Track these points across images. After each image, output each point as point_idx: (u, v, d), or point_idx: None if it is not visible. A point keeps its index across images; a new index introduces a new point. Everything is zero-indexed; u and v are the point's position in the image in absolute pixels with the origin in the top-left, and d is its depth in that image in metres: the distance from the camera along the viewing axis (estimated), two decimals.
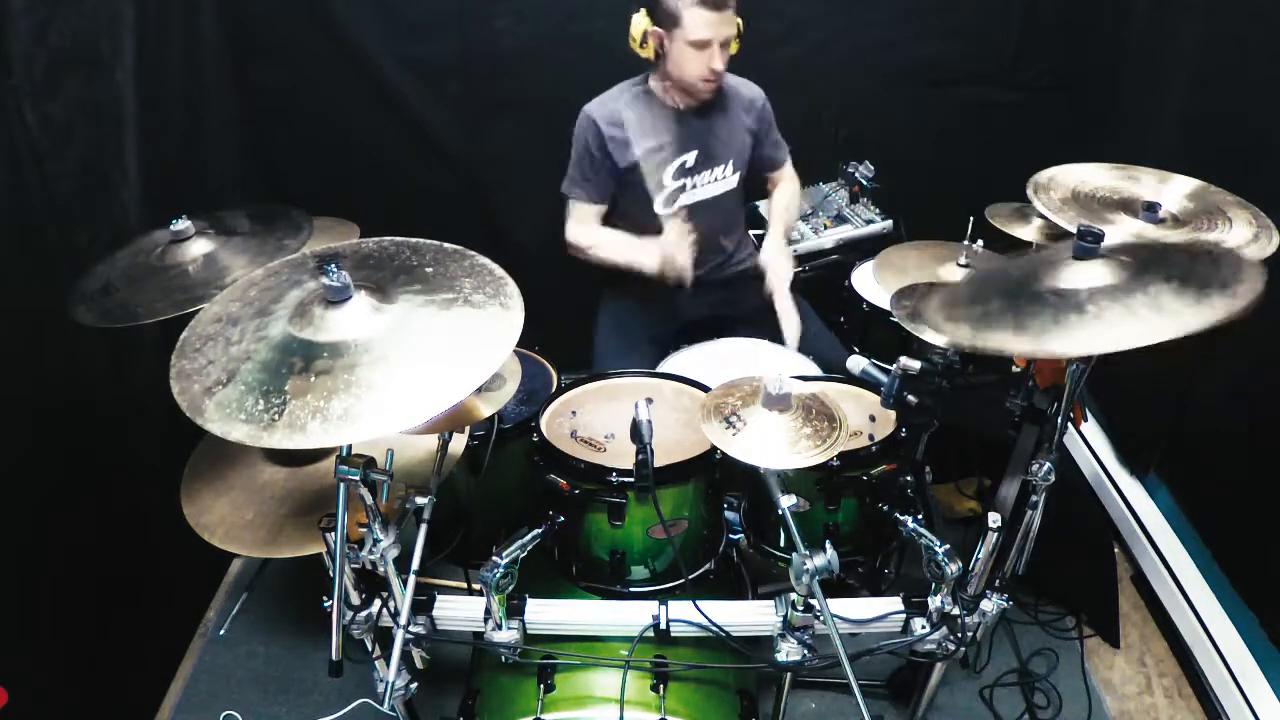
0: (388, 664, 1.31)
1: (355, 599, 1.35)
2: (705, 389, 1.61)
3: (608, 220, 2.14)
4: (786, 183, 2.25)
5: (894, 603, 1.46)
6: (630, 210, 2.11)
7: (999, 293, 1.17)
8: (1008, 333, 1.07)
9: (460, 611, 1.46)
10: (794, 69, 2.38)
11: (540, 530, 1.46)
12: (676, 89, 1.97)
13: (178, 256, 1.48)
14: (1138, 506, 2.24)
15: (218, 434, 0.94)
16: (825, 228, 2.39)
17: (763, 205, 2.51)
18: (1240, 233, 1.36)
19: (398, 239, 1.23)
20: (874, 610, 1.45)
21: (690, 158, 2.03)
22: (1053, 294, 1.11)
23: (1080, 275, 1.13)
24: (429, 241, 1.23)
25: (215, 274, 1.43)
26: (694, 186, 2.07)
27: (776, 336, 2.05)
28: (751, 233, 2.40)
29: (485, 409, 1.37)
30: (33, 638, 1.63)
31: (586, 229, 2.08)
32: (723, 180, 2.10)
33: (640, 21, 1.89)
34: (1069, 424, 1.31)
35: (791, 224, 2.24)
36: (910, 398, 1.31)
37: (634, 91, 2.02)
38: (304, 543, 1.38)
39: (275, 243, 1.50)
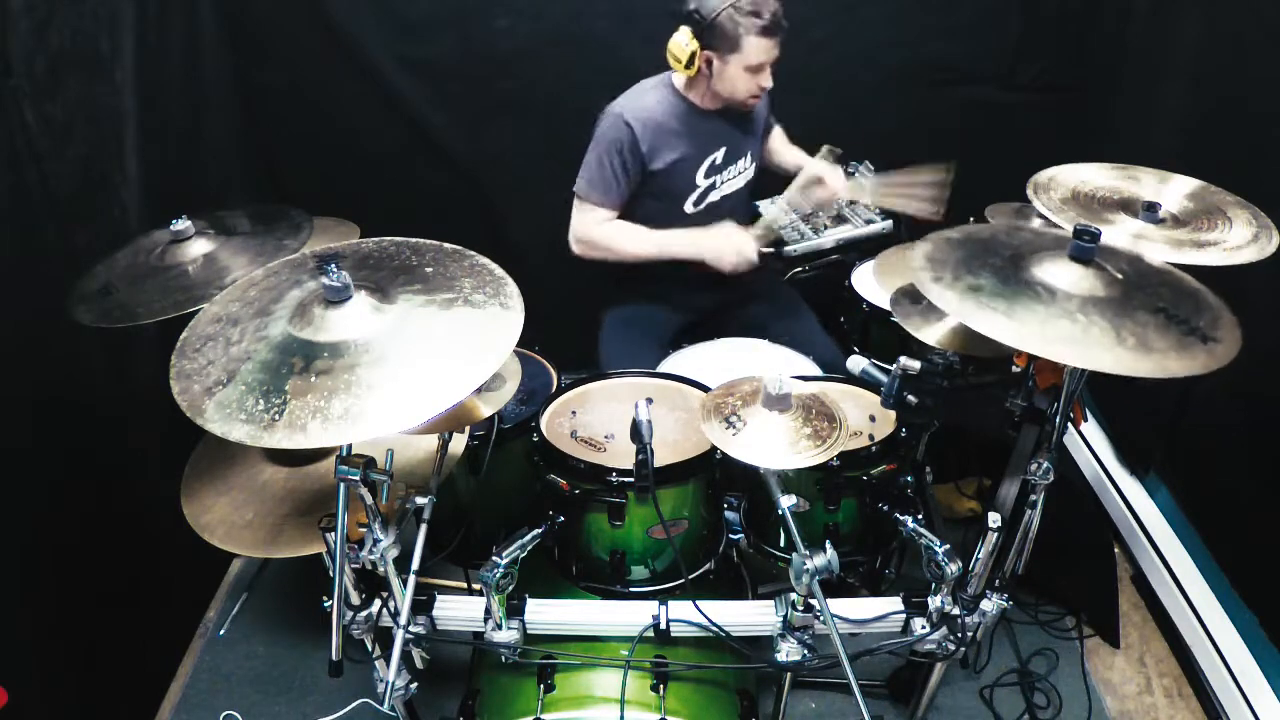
0: (388, 664, 1.32)
1: (355, 599, 1.35)
2: (705, 389, 1.61)
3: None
4: (777, 133, 2.33)
5: (894, 603, 1.46)
6: (654, 211, 2.09)
7: (990, 269, 1.17)
8: (999, 316, 1.08)
9: (460, 611, 1.46)
10: (794, 69, 2.38)
11: (540, 530, 1.46)
12: (712, 96, 1.97)
13: (178, 256, 1.48)
14: (1138, 506, 2.24)
15: (218, 434, 0.94)
16: (825, 228, 2.38)
17: (763, 206, 2.51)
18: (1240, 233, 1.36)
19: (398, 239, 1.23)
20: (874, 610, 1.45)
21: (719, 155, 2.05)
22: (1043, 288, 1.12)
23: (1072, 277, 1.14)
24: (429, 241, 1.23)
25: (215, 274, 1.43)
26: (721, 183, 2.10)
27: (776, 336, 2.05)
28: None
29: (485, 409, 1.37)
30: (33, 638, 1.62)
31: (601, 227, 2.03)
32: (745, 173, 2.14)
33: (687, 44, 1.86)
34: (1069, 424, 1.31)
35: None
36: (910, 398, 1.31)
37: (661, 91, 2.01)
38: (304, 543, 1.38)
39: (275, 243, 1.50)
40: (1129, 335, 1.04)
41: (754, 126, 2.12)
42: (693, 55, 1.87)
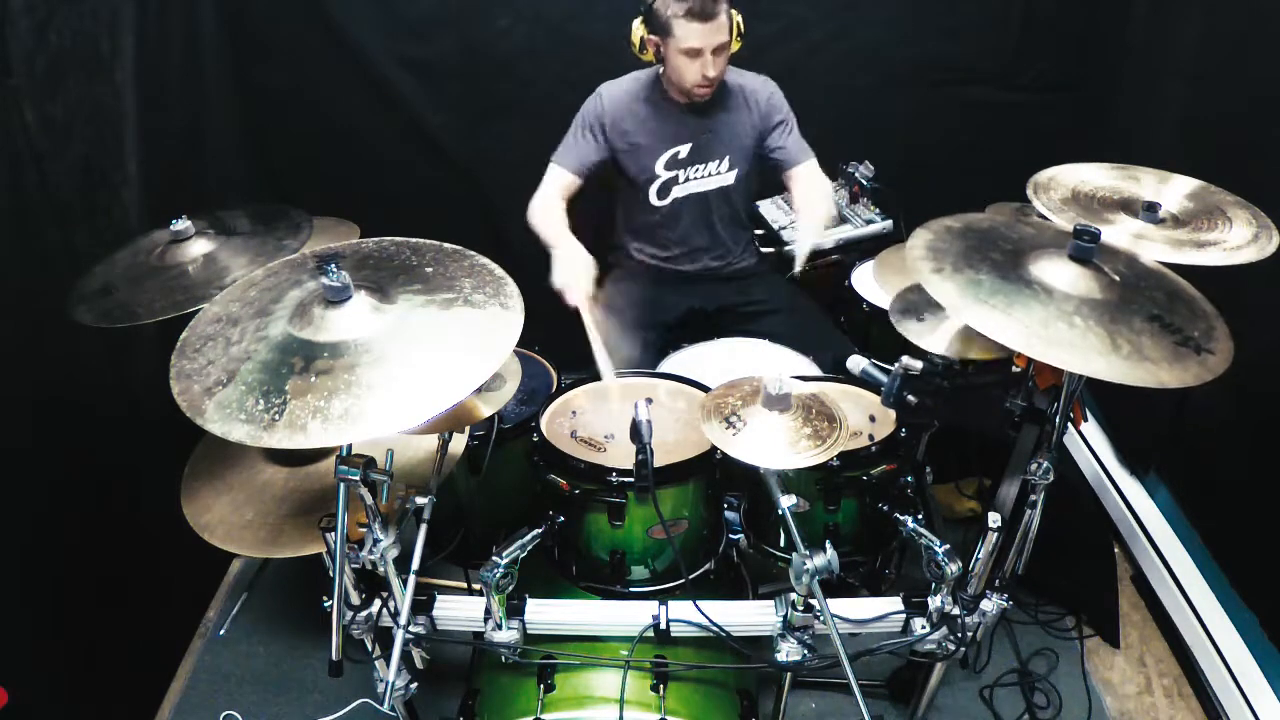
0: (388, 664, 1.32)
1: (355, 599, 1.35)
2: (705, 389, 1.61)
3: (610, 207, 2.19)
4: (808, 179, 2.14)
5: (894, 603, 1.46)
6: (626, 196, 2.16)
7: (990, 263, 1.17)
8: (997, 314, 1.08)
9: (460, 611, 1.46)
10: (793, 68, 2.38)
11: (540, 530, 1.46)
12: (673, 86, 2.01)
13: (178, 256, 1.48)
14: (1138, 506, 2.24)
15: (218, 434, 0.94)
16: (825, 228, 2.39)
17: (764, 206, 2.51)
18: (1240, 233, 1.36)
19: (398, 239, 1.23)
20: (874, 610, 1.45)
21: (683, 150, 2.06)
22: (1041, 286, 1.12)
23: (1070, 277, 1.14)
24: (429, 241, 1.23)
25: (215, 274, 1.43)
26: (687, 180, 2.10)
27: (776, 336, 2.05)
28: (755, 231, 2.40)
29: (485, 409, 1.37)
30: (33, 638, 1.63)
31: (545, 201, 2.04)
32: (718, 176, 2.12)
33: (638, 28, 1.94)
34: (1069, 424, 1.31)
35: (819, 216, 2.07)
36: (910, 398, 1.31)
37: (645, 80, 2.08)
38: (304, 543, 1.38)
39: (275, 243, 1.50)
40: (1124, 343, 1.05)
41: (731, 131, 2.07)
42: (642, 40, 1.94)
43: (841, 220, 2.41)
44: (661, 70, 2.03)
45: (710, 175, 2.11)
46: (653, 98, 2.06)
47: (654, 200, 2.11)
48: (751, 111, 2.10)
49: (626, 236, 2.25)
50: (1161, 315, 1.10)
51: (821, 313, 2.21)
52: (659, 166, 2.07)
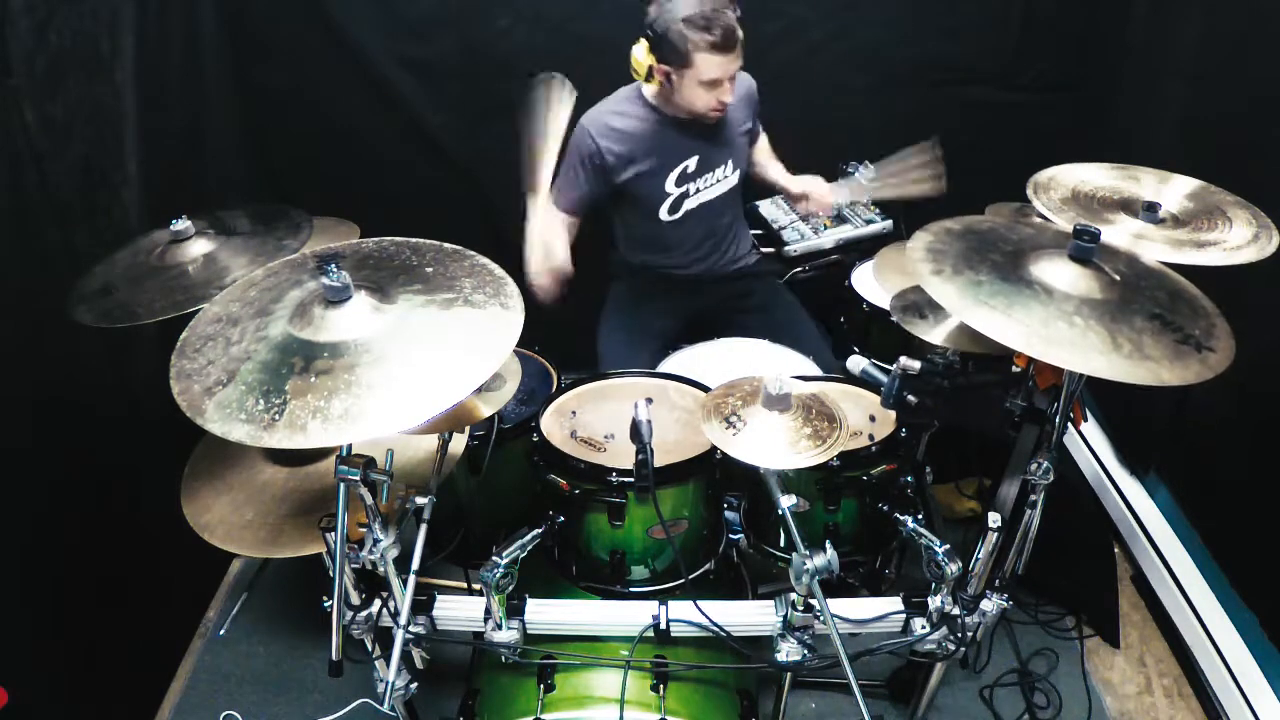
0: (388, 664, 1.32)
1: (355, 599, 1.35)
2: (705, 389, 1.61)
3: (612, 228, 2.18)
4: (761, 143, 2.28)
5: (894, 603, 1.46)
6: (632, 219, 2.14)
7: (990, 264, 1.18)
8: (997, 315, 1.08)
9: (460, 611, 1.46)
10: (793, 68, 2.38)
11: (540, 530, 1.46)
12: (677, 106, 1.94)
13: (178, 256, 1.48)
14: (1138, 506, 2.24)
15: (218, 434, 0.94)
16: (825, 228, 2.39)
17: (764, 206, 2.52)
18: (1240, 233, 1.36)
19: (398, 239, 1.23)
20: (874, 610, 1.45)
21: (691, 163, 2.03)
22: (1042, 287, 1.13)
23: (1071, 277, 1.14)
24: (429, 241, 1.23)
25: (215, 274, 1.43)
26: (697, 191, 2.08)
27: (777, 336, 2.05)
28: (751, 231, 2.40)
29: (485, 409, 1.37)
30: (33, 638, 1.63)
31: (541, 219, 1.90)
32: (724, 180, 2.11)
33: (644, 57, 1.85)
34: (1069, 424, 1.31)
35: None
36: (910, 398, 1.31)
37: (632, 101, 2.00)
38: (304, 543, 1.38)
39: (275, 243, 1.50)
40: (1125, 341, 1.05)
41: (730, 134, 2.06)
42: (650, 69, 1.86)
43: (841, 220, 2.41)
44: (654, 90, 1.96)
45: (719, 181, 2.09)
46: (647, 118, 1.98)
47: (665, 216, 2.07)
48: (744, 111, 2.10)
49: (631, 251, 2.22)
50: (1163, 314, 1.10)
51: (805, 313, 2.22)
52: (670, 184, 2.02)
